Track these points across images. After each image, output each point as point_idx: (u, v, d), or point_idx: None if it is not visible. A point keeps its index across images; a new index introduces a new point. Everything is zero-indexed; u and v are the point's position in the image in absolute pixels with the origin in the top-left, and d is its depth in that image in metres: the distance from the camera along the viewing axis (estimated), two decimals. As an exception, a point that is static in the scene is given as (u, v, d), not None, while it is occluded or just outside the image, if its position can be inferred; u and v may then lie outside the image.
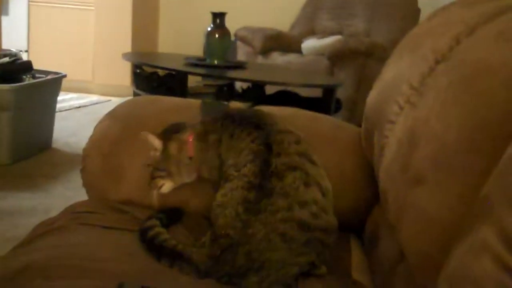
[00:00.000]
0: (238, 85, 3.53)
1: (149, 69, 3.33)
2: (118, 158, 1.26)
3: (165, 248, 0.97)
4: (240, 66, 3.45)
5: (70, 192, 2.48)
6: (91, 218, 1.11)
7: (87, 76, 5.09)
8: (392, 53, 1.20)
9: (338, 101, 3.13)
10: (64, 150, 3.23)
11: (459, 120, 0.75)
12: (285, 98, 3.14)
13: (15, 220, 2.17)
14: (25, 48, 5.03)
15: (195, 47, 4.68)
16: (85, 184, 1.30)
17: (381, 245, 1.06)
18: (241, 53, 4.60)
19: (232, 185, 0.96)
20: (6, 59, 3.00)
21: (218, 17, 3.25)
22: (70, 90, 4.66)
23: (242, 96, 3.33)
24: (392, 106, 0.99)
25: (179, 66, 3.19)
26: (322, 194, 0.97)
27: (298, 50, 4.36)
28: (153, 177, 1.12)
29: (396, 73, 1.09)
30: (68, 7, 5.12)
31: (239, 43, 4.64)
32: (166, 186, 1.12)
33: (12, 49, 3.32)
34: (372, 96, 1.19)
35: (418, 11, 4.26)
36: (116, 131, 1.29)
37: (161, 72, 3.27)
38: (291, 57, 4.21)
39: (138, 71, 3.40)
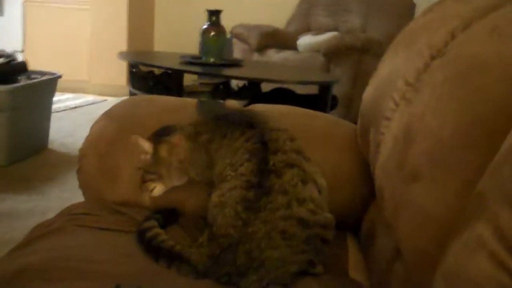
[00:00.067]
0: (234, 83, 3.52)
1: (145, 68, 3.32)
2: (114, 158, 1.25)
3: (163, 249, 0.96)
4: (236, 63, 3.45)
5: (66, 193, 2.47)
6: (88, 220, 1.11)
7: (83, 76, 5.08)
8: (388, 49, 1.19)
9: (334, 98, 3.13)
10: (61, 151, 3.22)
11: (454, 116, 0.75)
12: (281, 95, 3.14)
13: (12, 222, 2.16)
14: (21, 49, 5.02)
15: (191, 46, 4.67)
16: (81, 185, 1.30)
17: (377, 243, 1.06)
18: (237, 51, 4.60)
19: (229, 185, 0.96)
20: (1, 60, 2.99)
21: (214, 15, 3.25)
22: (66, 90, 4.65)
23: (238, 94, 3.33)
24: (388, 102, 0.99)
25: (175, 64, 3.19)
26: (318, 191, 0.98)
27: (294, 47, 4.36)
28: (144, 181, 1.12)
29: (392, 69, 1.08)
30: (63, 7, 5.11)
31: (235, 41, 4.64)
32: (157, 189, 1.11)
33: (7, 50, 3.30)
34: (368, 93, 1.19)
35: (413, 6, 4.27)
36: (112, 131, 1.29)
37: (157, 71, 3.26)
38: (287, 54, 4.21)
39: (134, 70, 3.39)
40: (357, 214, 1.22)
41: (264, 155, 0.96)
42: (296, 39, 4.45)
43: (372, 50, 3.74)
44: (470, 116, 0.72)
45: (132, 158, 1.20)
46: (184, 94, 3.09)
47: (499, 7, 0.86)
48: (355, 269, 1.04)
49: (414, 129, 0.84)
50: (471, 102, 0.73)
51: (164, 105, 1.37)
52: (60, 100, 4.49)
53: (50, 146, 3.26)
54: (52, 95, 3.24)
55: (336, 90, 3.13)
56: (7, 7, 5.15)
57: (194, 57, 3.48)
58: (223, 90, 3.31)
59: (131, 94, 3.36)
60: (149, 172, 1.11)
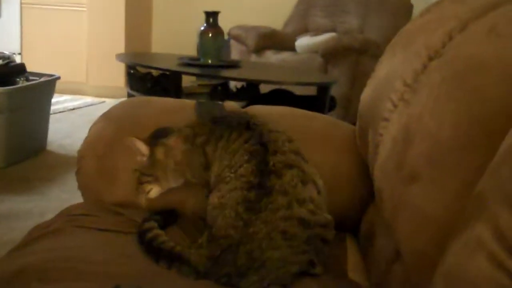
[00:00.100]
0: (232, 84, 3.52)
1: (143, 70, 3.32)
2: (112, 159, 1.25)
3: (164, 250, 0.96)
4: (234, 65, 3.44)
5: (65, 194, 2.47)
6: (87, 221, 1.11)
7: (81, 78, 5.06)
8: (386, 49, 1.19)
9: (333, 99, 3.13)
10: (59, 152, 3.22)
11: (453, 117, 0.75)
12: (280, 96, 3.14)
13: (10, 223, 2.16)
14: (18, 51, 5.01)
15: (189, 47, 4.67)
16: (80, 186, 1.30)
17: (376, 244, 1.06)
18: (235, 52, 4.59)
19: (229, 186, 0.96)
20: (0, 62, 2.99)
21: (211, 16, 3.24)
22: (64, 92, 4.64)
23: (237, 95, 3.33)
24: (386, 103, 0.99)
25: (173, 66, 3.18)
26: (317, 192, 0.98)
27: (292, 48, 4.36)
28: (140, 182, 1.12)
29: (390, 70, 1.09)
30: (61, 9, 5.09)
31: (232, 42, 4.64)
32: (154, 191, 1.11)
33: (5, 52, 3.30)
34: (366, 94, 1.19)
35: (411, 6, 4.27)
36: (110, 132, 1.29)
37: (155, 73, 3.26)
38: (285, 55, 4.21)
39: (132, 72, 3.39)
40: (356, 215, 1.22)
41: (264, 156, 0.96)
42: (294, 40, 4.45)
43: (370, 51, 3.74)
44: (468, 116, 0.72)
45: (131, 159, 1.20)
46: (182, 96, 3.08)
47: (495, 8, 0.86)
48: (354, 270, 1.04)
49: (413, 130, 0.84)
50: (469, 102, 0.73)
51: (162, 106, 1.37)
52: (59, 101, 4.48)
53: (48, 147, 3.26)
54: (51, 97, 3.23)
55: (334, 91, 3.13)
56: (4, 9, 5.14)
57: (192, 58, 3.47)
58: (221, 92, 3.31)
59: (129, 95, 3.36)
60: (146, 174, 1.11)
